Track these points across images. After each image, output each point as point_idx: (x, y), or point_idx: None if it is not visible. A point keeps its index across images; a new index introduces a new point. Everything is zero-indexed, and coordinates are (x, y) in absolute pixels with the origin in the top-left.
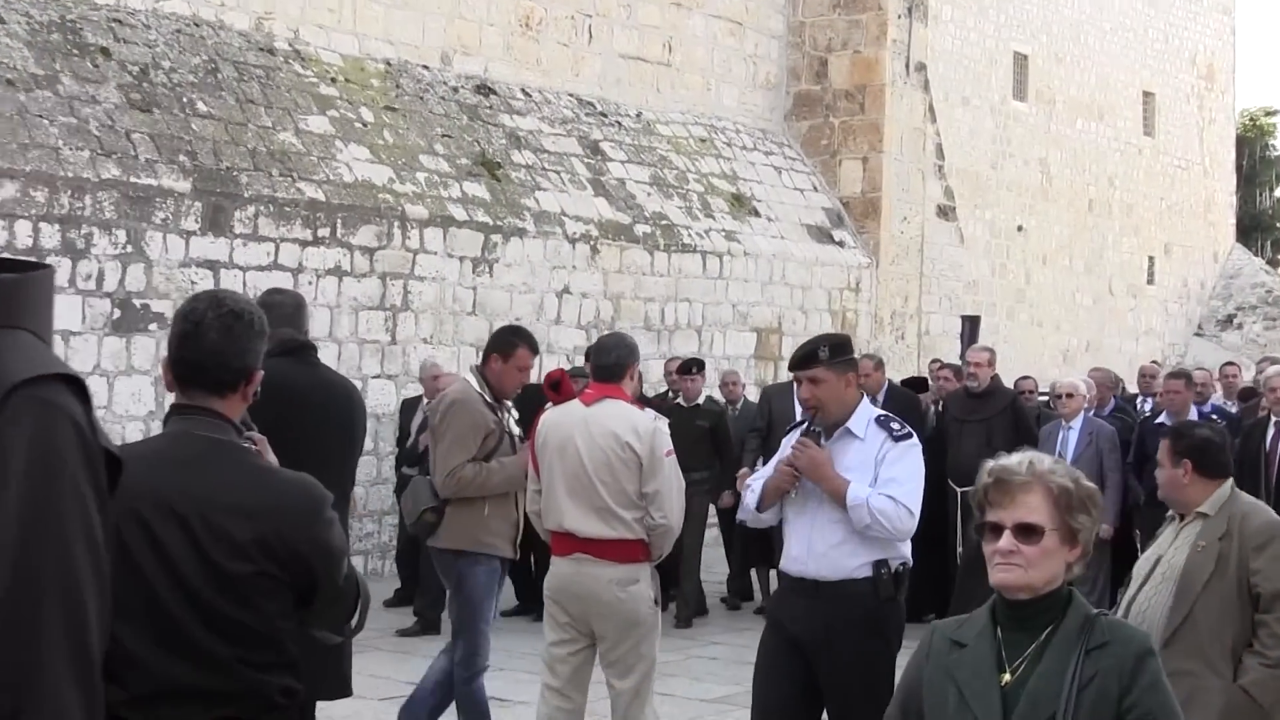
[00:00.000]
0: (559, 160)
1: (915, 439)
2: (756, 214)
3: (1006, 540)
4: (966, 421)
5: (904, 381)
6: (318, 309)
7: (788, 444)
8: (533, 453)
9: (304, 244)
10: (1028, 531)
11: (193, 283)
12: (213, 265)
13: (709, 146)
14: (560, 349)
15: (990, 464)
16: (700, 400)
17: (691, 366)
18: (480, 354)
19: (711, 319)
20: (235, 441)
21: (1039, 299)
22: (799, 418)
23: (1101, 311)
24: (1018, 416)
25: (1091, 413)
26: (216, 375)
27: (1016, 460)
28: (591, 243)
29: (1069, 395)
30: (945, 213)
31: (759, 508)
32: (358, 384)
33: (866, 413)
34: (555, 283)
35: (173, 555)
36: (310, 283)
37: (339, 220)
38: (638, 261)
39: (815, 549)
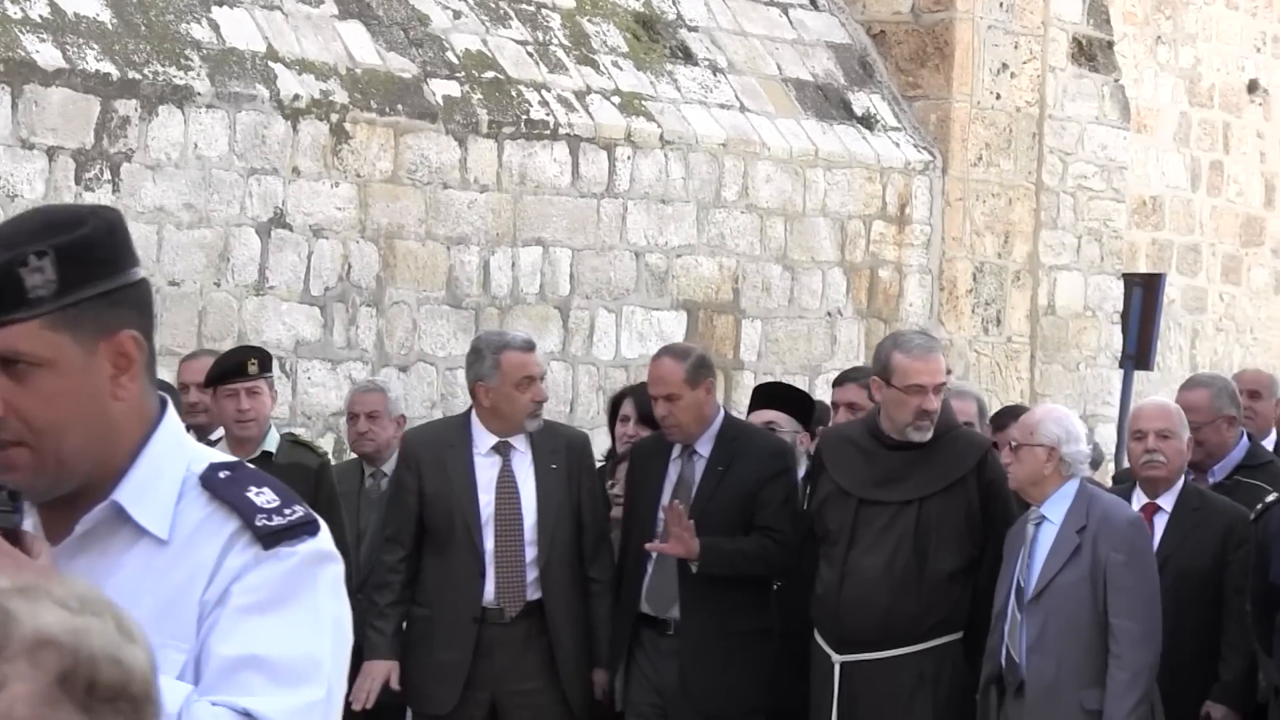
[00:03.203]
0: None
1: (322, 539)
2: (689, 58)
3: None
4: (869, 504)
5: (760, 397)
6: None
7: None
8: None
9: None
10: None
11: None
12: None
13: None
14: (274, 341)
15: None
16: (269, 444)
17: (229, 373)
18: None
19: (592, 281)
20: None
21: None
22: None
23: None
24: (989, 497)
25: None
26: None
27: None
28: (333, 118)
29: (1023, 446)
30: (1091, 55)
31: None
32: None
33: (178, 454)
34: (256, 206)
35: None
36: None
37: None
38: (433, 158)
39: None
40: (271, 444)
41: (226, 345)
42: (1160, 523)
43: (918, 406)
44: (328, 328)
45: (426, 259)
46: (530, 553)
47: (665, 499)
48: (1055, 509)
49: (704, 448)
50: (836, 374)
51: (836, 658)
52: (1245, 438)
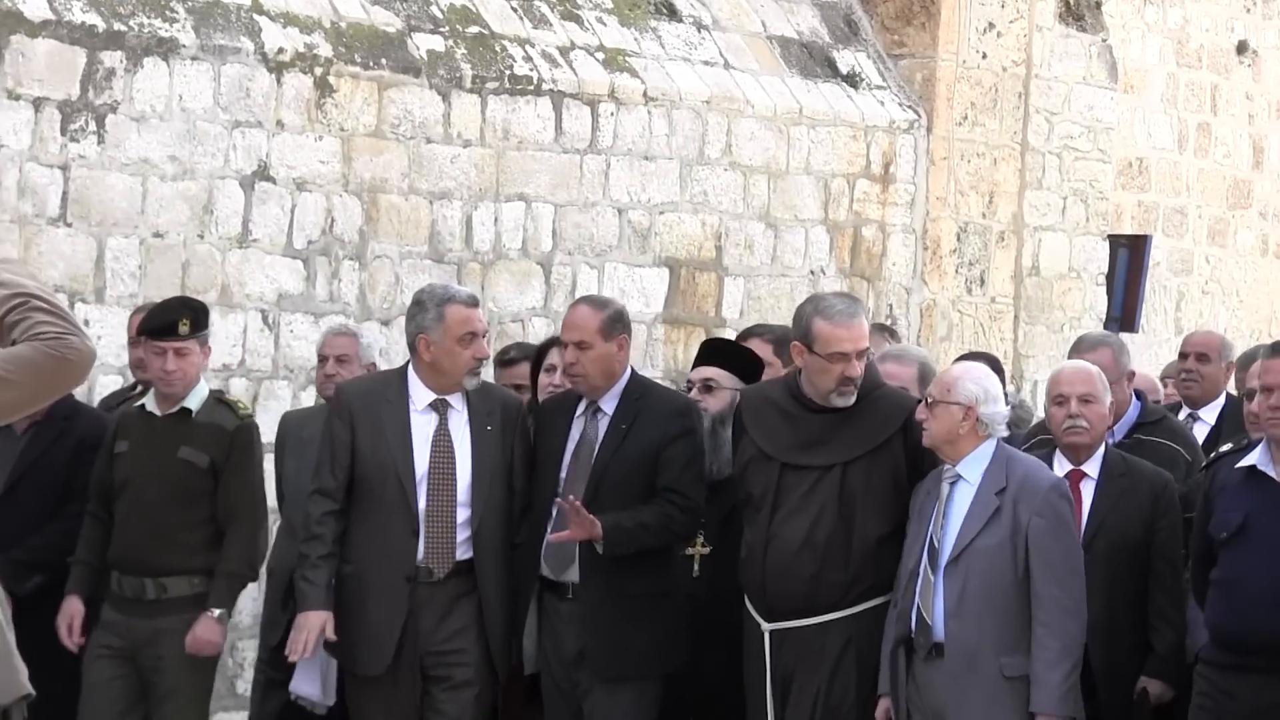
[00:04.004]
0: None
1: None
2: (673, 15)
3: None
4: (792, 468)
5: (705, 353)
6: None
7: None
8: None
9: None
10: None
11: None
12: None
13: None
14: (256, 293)
15: None
16: (192, 401)
17: (160, 331)
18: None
19: (574, 237)
20: None
21: None
22: None
23: None
24: (918, 456)
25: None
26: None
27: None
28: (317, 71)
29: (939, 403)
30: (1078, 14)
31: None
32: None
33: None
34: (239, 158)
35: None
36: None
37: None
38: (416, 112)
39: None
40: (195, 401)
41: (210, 297)
42: (1088, 490)
43: (841, 373)
44: (310, 281)
45: (409, 213)
46: (462, 514)
47: (568, 457)
48: (972, 469)
49: (609, 405)
50: None
51: (766, 625)
52: (1135, 396)
